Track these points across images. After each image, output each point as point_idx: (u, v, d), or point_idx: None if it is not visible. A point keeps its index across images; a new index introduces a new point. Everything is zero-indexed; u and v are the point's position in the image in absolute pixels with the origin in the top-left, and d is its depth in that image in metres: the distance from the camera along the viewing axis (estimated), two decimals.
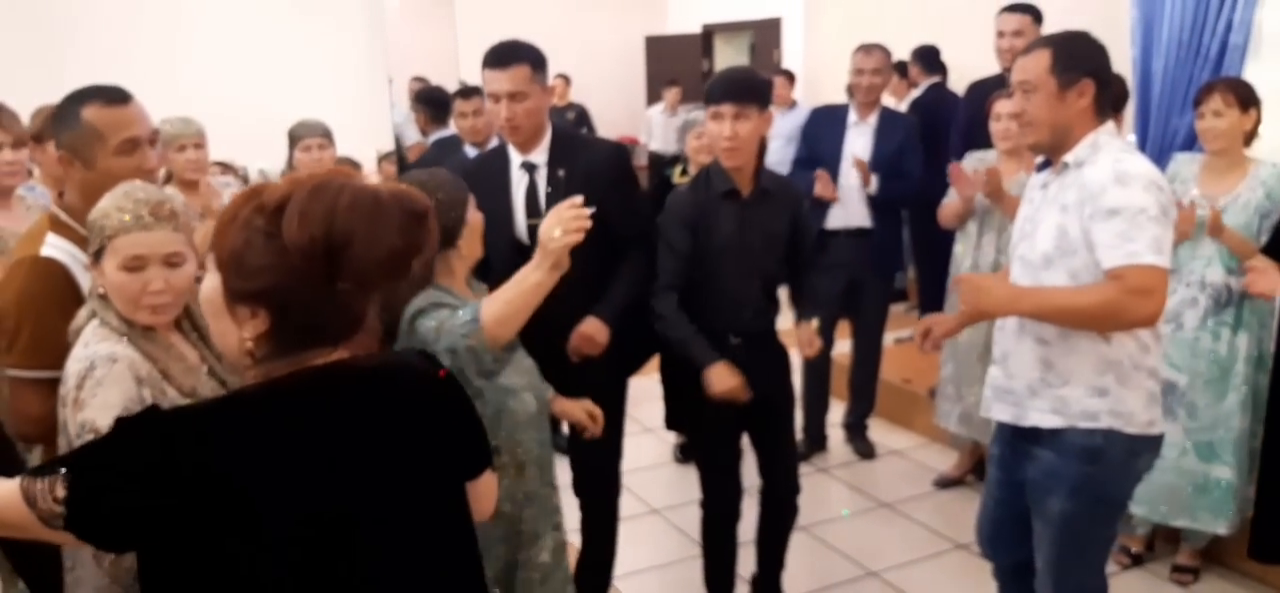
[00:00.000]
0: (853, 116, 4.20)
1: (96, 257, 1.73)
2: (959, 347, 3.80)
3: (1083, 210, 2.10)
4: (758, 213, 2.78)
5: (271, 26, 6.29)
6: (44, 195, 3.05)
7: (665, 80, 9.61)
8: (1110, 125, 2.21)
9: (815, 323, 2.92)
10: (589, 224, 1.81)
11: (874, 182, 4.07)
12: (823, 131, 4.25)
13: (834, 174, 4.09)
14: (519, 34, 2.72)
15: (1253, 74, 4.14)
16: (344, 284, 1.19)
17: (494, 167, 2.79)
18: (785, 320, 2.90)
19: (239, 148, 4.76)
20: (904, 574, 3.45)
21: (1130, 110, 4.57)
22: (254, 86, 5.75)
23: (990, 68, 4.21)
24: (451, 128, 4.94)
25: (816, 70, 8.39)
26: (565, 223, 1.80)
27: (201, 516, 1.12)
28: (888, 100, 4.85)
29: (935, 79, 6.09)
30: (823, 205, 4.09)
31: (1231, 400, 3.12)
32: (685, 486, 3.85)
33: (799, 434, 3.69)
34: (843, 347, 4.56)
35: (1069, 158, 2.18)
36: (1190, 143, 4.15)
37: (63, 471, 1.14)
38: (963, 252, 3.83)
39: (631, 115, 10.46)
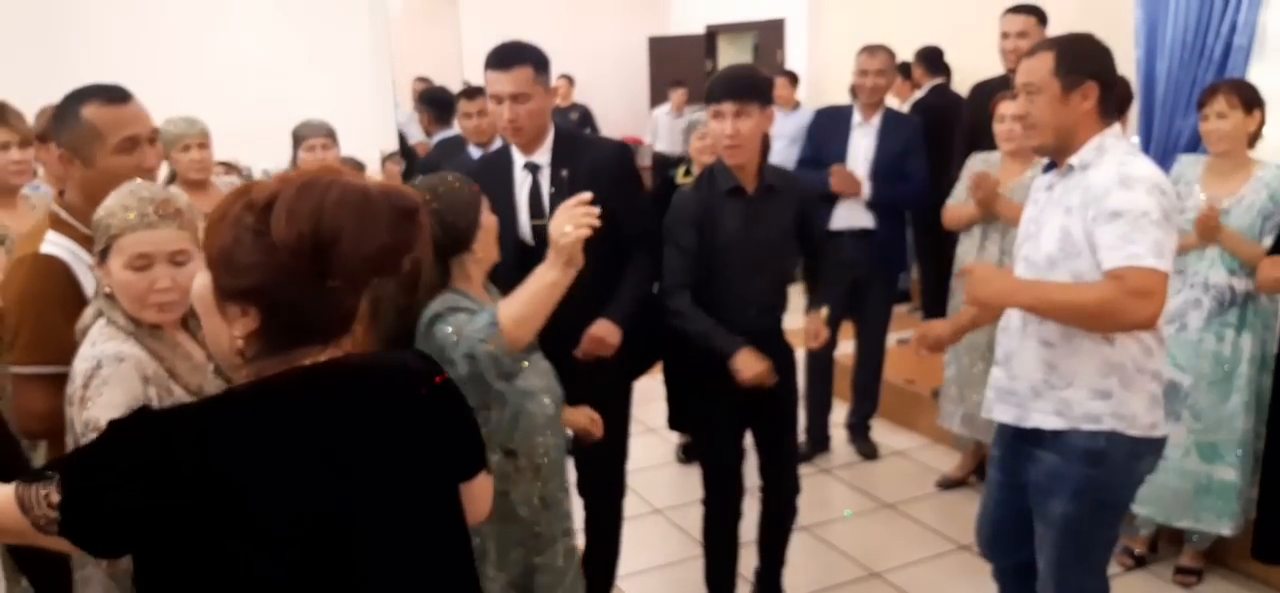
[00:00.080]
0: (857, 118, 4.19)
1: (102, 256, 1.73)
2: (962, 348, 3.80)
3: (1087, 213, 2.10)
4: (764, 209, 2.78)
5: (275, 27, 6.31)
6: (49, 194, 3.06)
7: (669, 81, 9.61)
8: (1116, 128, 2.21)
9: (824, 312, 2.91)
10: (597, 220, 1.80)
11: (867, 188, 4.06)
12: (827, 133, 4.25)
13: None
14: (523, 34, 2.71)
15: (1256, 76, 4.15)
16: (333, 281, 1.19)
17: (497, 168, 2.78)
18: (790, 319, 2.89)
19: (243, 148, 4.78)
20: (907, 575, 3.45)
21: (1134, 112, 4.57)
22: (258, 86, 5.76)
23: (994, 69, 4.20)
24: (455, 128, 4.93)
25: (820, 71, 8.38)
26: (575, 219, 1.79)
27: (200, 516, 1.12)
28: (891, 102, 4.84)
29: (939, 80, 6.07)
30: (827, 206, 4.08)
31: (1235, 402, 3.12)
32: (688, 486, 3.85)
33: (802, 435, 3.69)
34: (846, 347, 4.56)
35: (1074, 160, 2.17)
36: (1194, 145, 4.16)
37: (55, 476, 1.13)
38: (966, 252, 3.82)
39: (635, 116, 10.46)
